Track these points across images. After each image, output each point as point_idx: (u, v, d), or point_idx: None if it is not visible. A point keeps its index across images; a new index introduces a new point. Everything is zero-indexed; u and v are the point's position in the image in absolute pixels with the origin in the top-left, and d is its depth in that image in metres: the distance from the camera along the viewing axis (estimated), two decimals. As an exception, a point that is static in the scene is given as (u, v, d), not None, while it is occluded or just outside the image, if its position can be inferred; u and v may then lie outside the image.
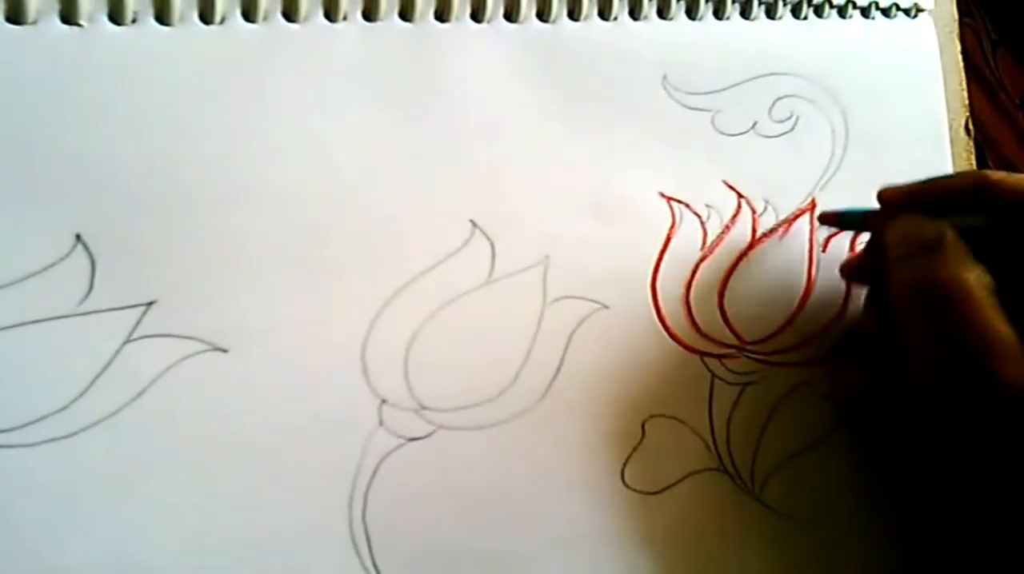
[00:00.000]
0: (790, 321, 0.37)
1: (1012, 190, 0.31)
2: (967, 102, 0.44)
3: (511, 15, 0.32)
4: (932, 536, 0.35)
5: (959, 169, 0.42)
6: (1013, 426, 0.28)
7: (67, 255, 0.26)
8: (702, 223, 0.35)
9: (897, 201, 0.34)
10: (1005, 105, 0.58)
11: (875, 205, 0.34)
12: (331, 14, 0.29)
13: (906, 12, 0.40)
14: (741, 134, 0.36)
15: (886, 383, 0.33)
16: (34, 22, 0.26)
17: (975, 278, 0.29)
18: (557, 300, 0.33)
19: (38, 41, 0.26)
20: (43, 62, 0.26)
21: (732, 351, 0.36)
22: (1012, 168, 0.58)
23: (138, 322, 0.27)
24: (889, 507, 0.36)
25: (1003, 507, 0.30)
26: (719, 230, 0.36)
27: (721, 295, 0.36)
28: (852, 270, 0.37)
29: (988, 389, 0.28)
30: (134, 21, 0.27)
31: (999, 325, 0.28)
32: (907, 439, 0.33)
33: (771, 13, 0.37)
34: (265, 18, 0.29)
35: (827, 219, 0.37)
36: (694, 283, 0.35)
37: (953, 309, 0.29)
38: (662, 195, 0.35)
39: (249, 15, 0.28)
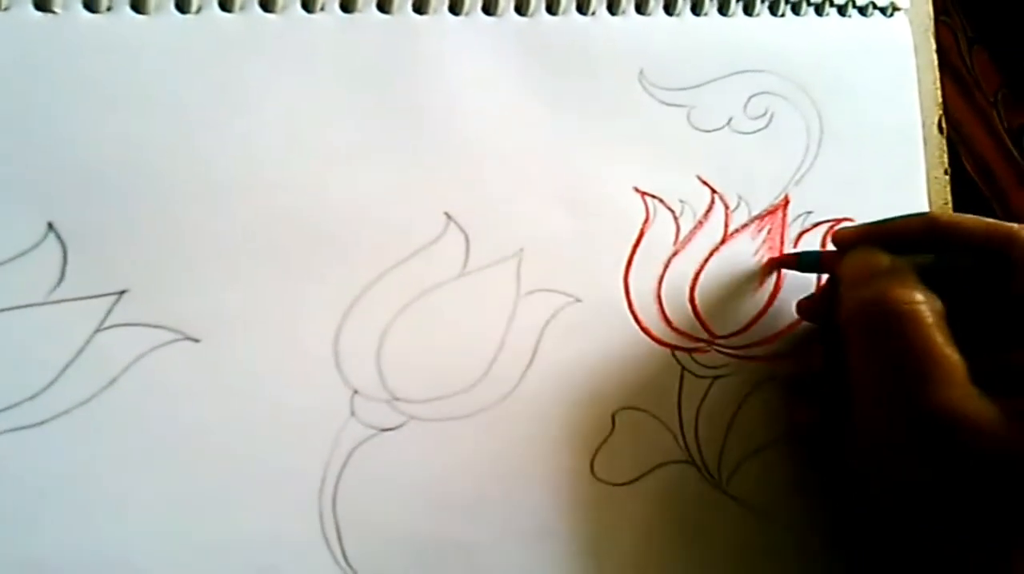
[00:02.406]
0: (760, 316, 0.37)
1: (961, 232, 0.32)
2: (940, 101, 0.44)
3: (489, 8, 0.32)
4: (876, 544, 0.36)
5: (932, 166, 0.42)
6: (950, 449, 0.28)
7: (39, 243, 0.26)
8: (675, 218, 0.36)
9: (851, 240, 0.35)
10: (980, 102, 0.59)
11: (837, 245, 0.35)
12: (308, 4, 0.29)
13: (882, 11, 0.40)
14: (716, 130, 0.36)
15: (834, 418, 0.34)
16: (7, 8, 0.26)
17: (925, 301, 0.30)
18: (530, 293, 0.33)
19: (11, 27, 0.26)
20: (17, 49, 0.26)
21: (702, 345, 0.36)
22: (985, 164, 0.59)
23: (109, 311, 0.27)
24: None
25: (940, 531, 0.30)
26: (692, 225, 0.36)
27: (692, 289, 0.36)
28: (806, 309, 0.37)
29: (928, 411, 0.28)
30: (109, 9, 0.27)
31: (945, 348, 0.29)
32: (853, 472, 0.34)
33: (749, 10, 0.37)
34: (242, 8, 0.28)
35: (785, 262, 0.37)
36: (666, 277, 0.36)
37: (899, 328, 0.29)
38: (636, 190, 0.35)
39: (226, 5, 0.28)
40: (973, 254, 0.32)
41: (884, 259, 0.32)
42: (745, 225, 0.37)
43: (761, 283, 0.37)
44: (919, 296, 0.30)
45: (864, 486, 0.33)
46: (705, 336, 0.36)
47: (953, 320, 0.30)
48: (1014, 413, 0.28)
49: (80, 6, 0.26)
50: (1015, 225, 0.32)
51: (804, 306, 0.37)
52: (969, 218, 0.33)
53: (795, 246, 0.38)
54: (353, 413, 0.30)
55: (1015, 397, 0.28)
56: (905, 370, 0.29)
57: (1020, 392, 0.28)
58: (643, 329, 0.35)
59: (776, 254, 0.38)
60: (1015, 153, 0.60)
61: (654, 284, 0.35)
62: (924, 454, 0.29)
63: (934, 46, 0.44)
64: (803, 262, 0.37)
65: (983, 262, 0.31)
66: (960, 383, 0.28)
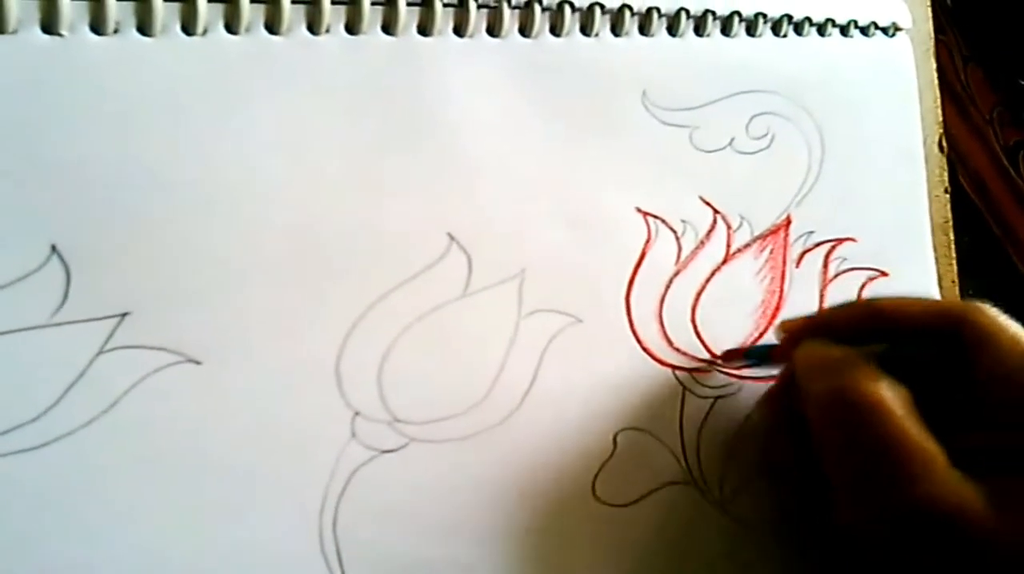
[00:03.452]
0: (761, 336, 0.37)
1: (907, 318, 0.32)
2: (941, 119, 0.44)
3: (493, 30, 0.32)
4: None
5: (933, 185, 0.43)
6: (938, 543, 0.27)
7: (42, 266, 0.26)
8: (677, 238, 0.36)
9: (798, 332, 0.34)
10: (976, 120, 0.59)
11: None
12: (314, 26, 0.29)
13: (884, 31, 0.41)
14: (718, 150, 0.37)
15: (807, 507, 0.34)
16: (14, 31, 0.25)
17: (889, 391, 0.29)
18: (532, 314, 0.33)
19: (18, 50, 0.26)
20: (23, 71, 0.26)
21: (703, 365, 0.36)
22: (981, 181, 0.59)
23: (111, 333, 0.27)
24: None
25: None
26: (694, 245, 0.36)
27: (694, 310, 0.36)
28: (767, 402, 0.36)
29: (912, 506, 0.27)
30: (116, 31, 0.27)
31: (919, 438, 0.28)
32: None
33: (751, 31, 0.37)
34: (247, 30, 0.28)
35: (730, 356, 0.37)
36: (667, 297, 0.36)
37: (870, 422, 0.28)
38: (638, 210, 0.35)
39: (231, 26, 0.28)
40: (924, 340, 0.31)
41: (836, 351, 0.31)
42: (747, 245, 0.37)
43: (762, 306, 0.37)
44: (884, 386, 0.29)
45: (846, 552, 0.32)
46: (706, 356, 0.36)
47: (919, 405, 0.29)
48: (999, 496, 0.27)
49: (87, 29, 0.26)
50: (960, 304, 0.31)
51: (763, 402, 0.37)
52: (912, 302, 0.32)
53: (797, 266, 0.38)
54: (354, 434, 0.30)
55: (995, 476, 0.27)
56: (882, 466, 0.28)
57: (999, 471, 0.27)
58: (644, 349, 0.35)
59: (779, 273, 0.38)
60: (1011, 171, 0.60)
61: (655, 304, 0.35)
62: (911, 548, 0.28)
63: (935, 65, 0.44)
64: (750, 355, 0.36)
65: (936, 346, 0.30)
66: (941, 472, 0.27)
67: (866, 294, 0.40)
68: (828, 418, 0.30)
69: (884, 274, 0.40)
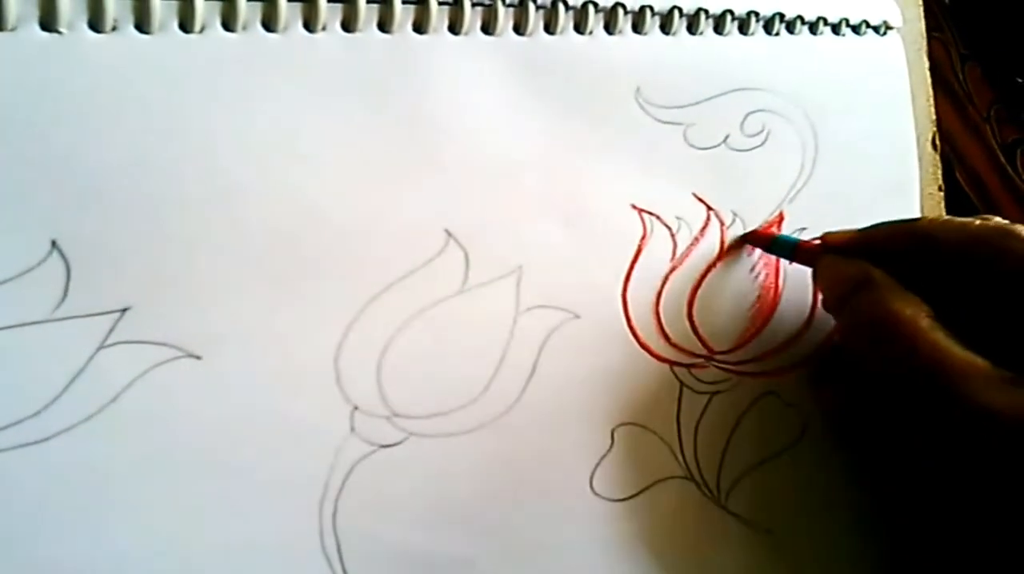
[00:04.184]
0: (757, 331, 0.38)
1: (943, 238, 0.32)
2: (934, 118, 0.45)
3: (488, 27, 0.32)
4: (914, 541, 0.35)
5: (926, 183, 0.43)
6: (994, 448, 0.27)
7: (43, 261, 0.26)
8: (672, 235, 0.36)
9: (836, 243, 0.35)
10: (973, 118, 0.59)
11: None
12: (310, 24, 0.30)
13: (876, 29, 0.41)
14: (712, 148, 0.37)
15: (859, 399, 0.34)
16: (13, 29, 0.26)
17: (913, 309, 0.30)
18: (529, 309, 0.33)
19: (17, 47, 0.26)
20: (22, 68, 0.26)
21: (700, 360, 0.36)
22: (978, 178, 0.59)
23: (112, 328, 0.27)
24: (853, 515, 0.37)
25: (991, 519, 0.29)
26: (688, 242, 0.36)
27: (690, 305, 0.36)
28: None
29: (963, 414, 0.28)
30: (114, 29, 0.27)
31: (955, 349, 0.28)
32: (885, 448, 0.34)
33: (744, 29, 0.37)
34: (245, 27, 0.29)
35: (757, 240, 0.37)
36: (664, 293, 0.36)
37: (905, 343, 0.29)
38: (634, 207, 0.35)
39: (229, 24, 0.28)
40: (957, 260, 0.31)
41: (852, 267, 0.32)
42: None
43: (757, 302, 0.37)
44: (907, 307, 0.30)
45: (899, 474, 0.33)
46: (703, 352, 0.36)
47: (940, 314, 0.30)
48: None
49: (85, 26, 0.27)
50: (998, 228, 0.31)
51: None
52: (950, 224, 0.33)
53: (791, 262, 0.38)
54: (353, 429, 0.30)
55: None
56: (926, 381, 0.28)
57: None
58: (642, 345, 0.35)
59: (772, 270, 0.38)
60: (1008, 168, 0.60)
61: (652, 300, 0.36)
62: (971, 459, 0.28)
63: (927, 64, 0.44)
64: (776, 245, 0.37)
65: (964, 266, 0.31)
66: (989, 378, 0.27)
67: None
68: (863, 344, 0.31)
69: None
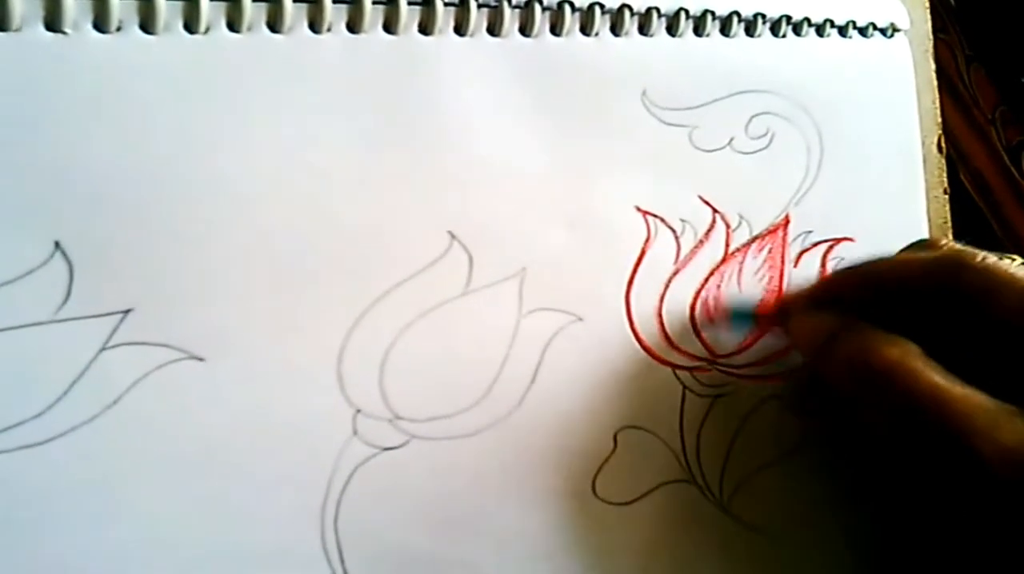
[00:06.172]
0: (760, 335, 0.37)
1: (900, 277, 0.31)
2: (940, 120, 0.44)
3: (494, 29, 0.32)
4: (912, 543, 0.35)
5: (932, 186, 0.43)
6: (1008, 486, 0.25)
7: (46, 262, 0.26)
8: (676, 237, 0.36)
9: (791, 303, 0.34)
10: (978, 119, 0.59)
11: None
12: (315, 25, 0.29)
13: (882, 32, 0.41)
14: (718, 150, 0.37)
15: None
16: (18, 29, 0.26)
17: (900, 350, 0.28)
18: (532, 312, 0.33)
19: (22, 47, 0.26)
20: (27, 69, 0.26)
21: (703, 364, 0.36)
22: (983, 180, 0.59)
23: (115, 330, 0.27)
24: (856, 520, 0.37)
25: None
26: (693, 244, 0.36)
27: (693, 308, 0.36)
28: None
29: (973, 455, 0.26)
30: (119, 29, 0.27)
31: (955, 389, 0.27)
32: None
33: (750, 31, 0.37)
34: (250, 28, 0.29)
35: (714, 317, 0.37)
36: (667, 296, 0.36)
37: (901, 389, 0.27)
38: (638, 209, 0.35)
39: (234, 25, 0.28)
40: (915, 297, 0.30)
41: (829, 319, 0.31)
42: (746, 244, 0.37)
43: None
44: (897, 345, 0.28)
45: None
46: (706, 355, 0.36)
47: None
48: None
49: (90, 26, 0.27)
50: (951, 255, 0.30)
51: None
52: (903, 261, 0.32)
53: (795, 265, 0.38)
54: (355, 432, 0.30)
55: None
56: (941, 427, 0.26)
57: None
58: (645, 348, 0.35)
59: (777, 273, 0.38)
60: (1013, 170, 0.60)
61: (655, 303, 0.35)
62: (983, 496, 0.26)
63: (933, 66, 0.44)
64: (737, 316, 0.36)
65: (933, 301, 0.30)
66: (994, 414, 0.26)
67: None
68: (852, 386, 0.29)
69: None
